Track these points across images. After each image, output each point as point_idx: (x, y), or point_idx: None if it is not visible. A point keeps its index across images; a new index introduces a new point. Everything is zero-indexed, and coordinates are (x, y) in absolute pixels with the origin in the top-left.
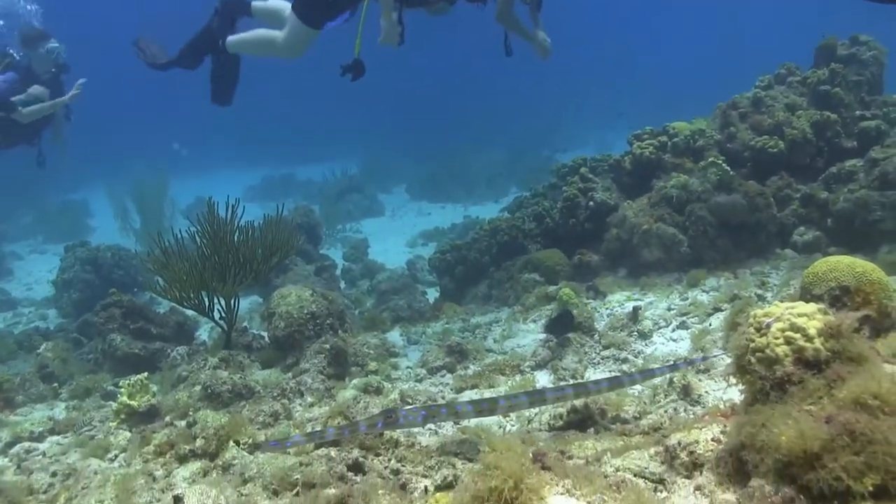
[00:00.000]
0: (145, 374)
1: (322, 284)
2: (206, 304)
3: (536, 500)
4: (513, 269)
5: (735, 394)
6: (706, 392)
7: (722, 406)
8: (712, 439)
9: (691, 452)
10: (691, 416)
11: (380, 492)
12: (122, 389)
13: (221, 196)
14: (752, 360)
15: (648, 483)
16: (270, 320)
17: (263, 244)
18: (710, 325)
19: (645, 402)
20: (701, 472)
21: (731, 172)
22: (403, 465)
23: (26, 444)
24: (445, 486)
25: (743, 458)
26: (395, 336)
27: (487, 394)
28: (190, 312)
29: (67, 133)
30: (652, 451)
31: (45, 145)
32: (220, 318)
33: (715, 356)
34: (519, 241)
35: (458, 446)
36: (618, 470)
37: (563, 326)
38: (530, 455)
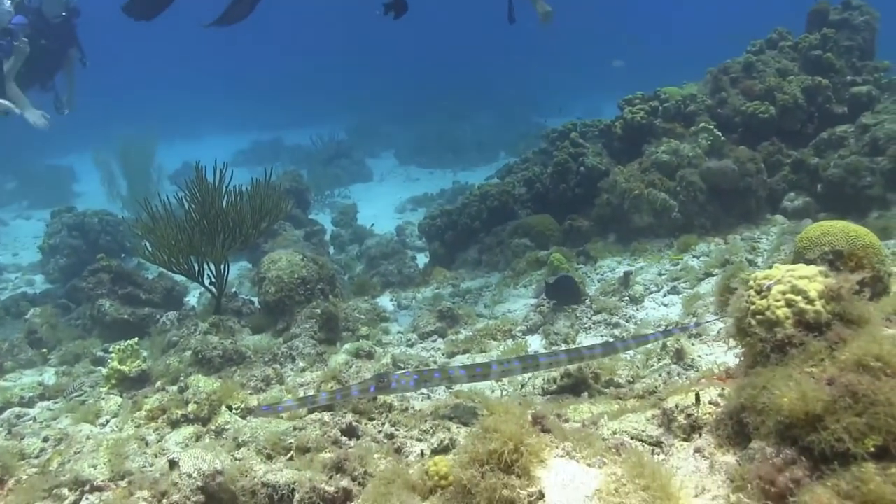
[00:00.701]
0: (135, 339)
1: (311, 249)
2: (196, 269)
3: (537, 463)
4: (503, 235)
5: (729, 357)
6: (699, 356)
7: (716, 370)
8: (710, 402)
9: (689, 415)
10: (685, 381)
11: (375, 455)
12: (113, 355)
13: (209, 160)
14: (753, 322)
15: (646, 445)
16: (261, 285)
17: (252, 208)
18: (701, 290)
19: (638, 367)
20: (700, 435)
21: (723, 138)
22: (397, 430)
23: (16, 410)
24: (442, 450)
25: (743, 421)
26: (385, 301)
27: (479, 358)
28: (179, 278)
29: (80, 78)
30: (649, 414)
31: (60, 89)
32: (210, 283)
33: (708, 322)
34: (509, 207)
35: (452, 410)
36: (615, 433)
37: (567, 294)
38: (529, 418)
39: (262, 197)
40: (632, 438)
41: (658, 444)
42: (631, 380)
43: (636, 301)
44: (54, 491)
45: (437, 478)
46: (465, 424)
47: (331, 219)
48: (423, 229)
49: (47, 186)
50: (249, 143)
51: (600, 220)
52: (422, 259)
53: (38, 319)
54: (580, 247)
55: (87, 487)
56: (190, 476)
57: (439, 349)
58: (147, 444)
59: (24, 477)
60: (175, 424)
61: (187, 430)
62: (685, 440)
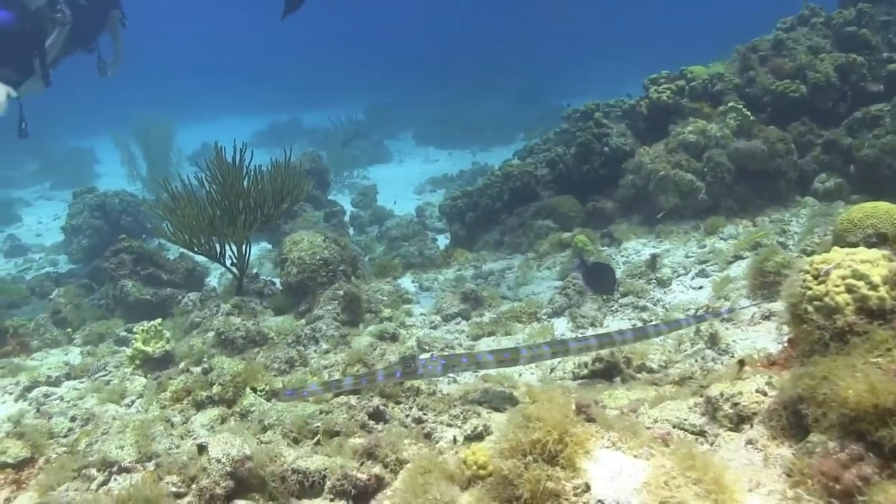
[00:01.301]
0: (159, 320)
1: (331, 231)
2: (217, 249)
3: (582, 454)
4: (525, 216)
5: (764, 342)
6: (733, 341)
7: (756, 356)
8: (757, 391)
9: (735, 405)
10: (725, 368)
11: (405, 440)
12: (137, 336)
13: (228, 142)
14: (809, 308)
15: (689, 435)
16: (282, 266)
17: (273, 189)
18: (731, 273)
19: (670, 351)
20: (751, 426)
21: (752, 117)
22: (426, 414)
23: (44, 389)
24: (476, 437)
25: (801, 412)
26: (406, 283)
27: (505, 342)
28: (200, 259)
29: (123, 41)
30: (690, 402)
31: (103, 51)
32: (231, 264)
33: (743, 307)
34: (531, 188)
35: (482, 395)
36: (656, 421)
37: (603, 283)
38: (573, 406)
39: (282, 177)
40: (674, 427)
41: (701, 433)
42: (664, 364)
43: (664, 284)
44: (83, 471)
45: (475, 467)
46: (497, 410)
47: (350, 200)
48: (444, 210)
49: (69, 168)
50: (267, 124)
51: (624, 201)
52: (442, 240)
53: (62, 299)
54: (603, 229)
55: (114, 468)
56: (219, 461)
57: (463, 331)
58: (172, 425)
59: (54, 456)
60: (200, 406)
61: (212, 412)
62: (732, 430)
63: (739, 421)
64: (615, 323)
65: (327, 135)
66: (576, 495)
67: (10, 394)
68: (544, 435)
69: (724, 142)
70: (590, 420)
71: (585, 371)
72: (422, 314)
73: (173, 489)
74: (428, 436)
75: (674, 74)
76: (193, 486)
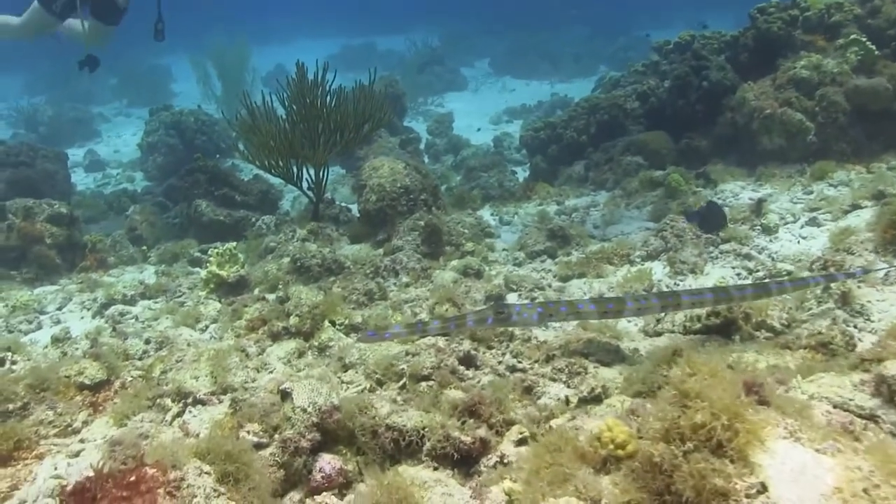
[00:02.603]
0: (234, 244)
1: (406, 158)
2: (294, 172)
3: (757, 445)
4: (613, 151)
5: None
6: (869, 302)
7: None
8: None
9: None
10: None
11: (510, 396)
12: (212, 259)
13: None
14: None
15: (856, 419)
16: (361, 193)
17: (355, 111)
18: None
19: (791, 308)
20: None
21: (876, 52)
22: (520, 361)
23: (120, 307)
24: (593, 399)
25: None
26: (485, 215)
27: (597, 285)
28: (275, 181)
29: None
30: (855, 378)
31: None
32: (308, 188)
33: (881, 269)
34: (619, 121)
35: (585, 346)
36: (811, 397)
37: (713, 222)
38: (741, 384)
39: (366, 98)
40: (834, 406)
41: (871, 417)
42: (786, 323)
43: (769, 231)
44: (158, 401)
45: (611, 446)
46: (604, 364)
47: (425, 127)
48: (525, 141)
49: (146, 85)
50: (340, 47)
51: (721, 140)
52: (521, 173)
53: (137, 217)
54: (698, 168)
55: (189, 400)
56: (304, 410)
57: (550, 271)
58: (248, 356)
59: (129, 379)
60: (276, 337)
61: (289, 345)
62: None
63: None
64: (716, 271)
65: (401, 60)
66: (749, 497)
67: (88, 309)
68: (709, 419)
69: (841, 78)
70: (763, 403)
71: (698, 325)
72: (504, 249)
73: (254, 438)
74: (529, 390)
75: (785, 3)
76: (276, 435)
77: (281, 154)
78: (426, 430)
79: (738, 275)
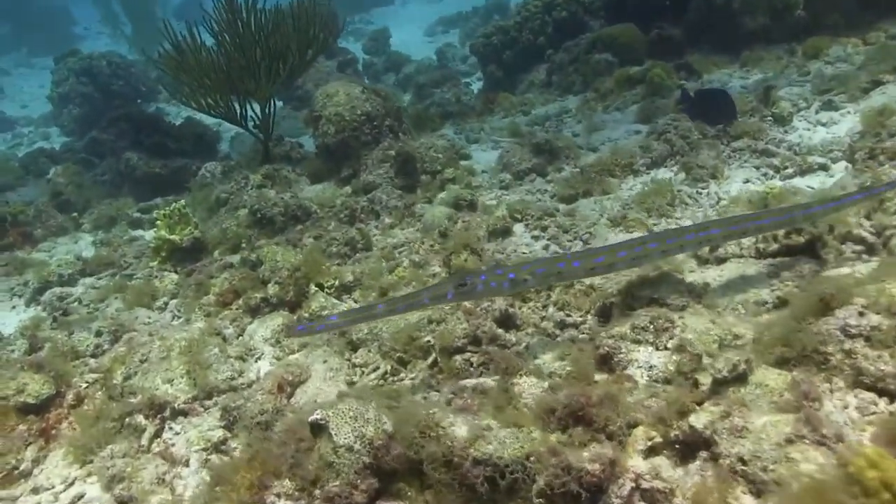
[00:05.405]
0: (182, 201)
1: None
2: (237, 110)
3: None
4: (577, 50)
5: None
6: None
7: None
8: None
9: None
10: None
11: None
12: (159, 222)
13: None
14: None
15: None
16: (316, 125)
17: (297, 32)
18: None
19: (871, 212)
20: None
21: None
22: (569, 315)
23: (57, 290)
24: (735, 379)
25: None
26: (449, 134)
27: (607, 203)
28: (210, 121)
29: None
30: None
31: None
32: (254, 127)
33: None
34: (579, 17)
35: (652, 289)
36: None
37: (717, 112)
38: None
39: (307, 17)
40: None
41: None
42: (875, 231)
43: (782, 121)
44: (127, 420)
45: (887, 495)
46: (680, 309)
47: (360, 46)
48: (476, 50)
49: (44, 30)
50: None
51: (694, 27)
52: (475, 85)
53: (61, 179)
54: (671, 60)
55: (166, 412)
56: (351, 450)
57: (547, 191)
58: (226, 340)
59: (84, 386)
60: (255, 311)
61: (275, 321)
62: None
63: None
64: (737, 173)
65: None
66: None
67: (20, 296)
68: None
69: None
70: None
71: (775, 246)
72: (484, 172)
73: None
74: (605, 359)
75: None
76: (317, 491)
77: (219, 91)
78: (531, 460)
79: (765, 174)
